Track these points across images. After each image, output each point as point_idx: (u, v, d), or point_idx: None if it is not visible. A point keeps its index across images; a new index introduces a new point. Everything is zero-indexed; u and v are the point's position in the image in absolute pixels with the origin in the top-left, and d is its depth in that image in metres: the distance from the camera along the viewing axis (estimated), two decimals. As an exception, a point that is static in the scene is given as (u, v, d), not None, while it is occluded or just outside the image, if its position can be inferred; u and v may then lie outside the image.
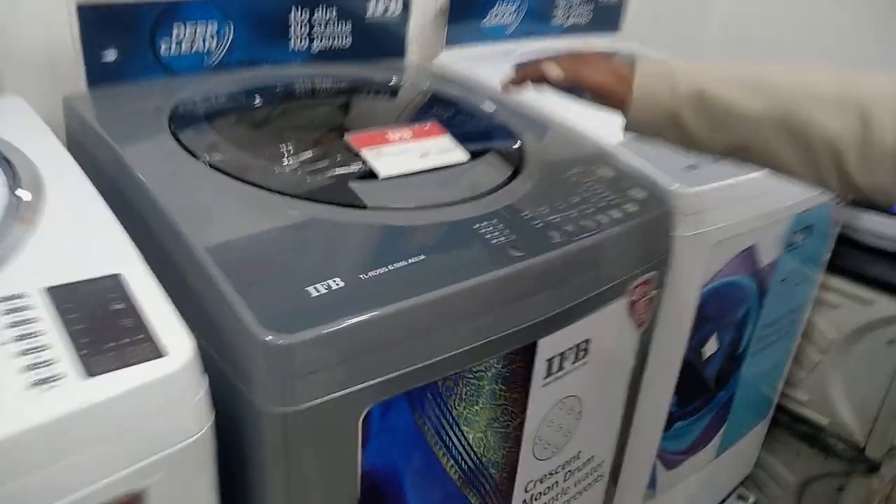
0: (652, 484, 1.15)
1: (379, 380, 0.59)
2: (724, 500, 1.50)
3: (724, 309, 1.06)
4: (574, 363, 0.78)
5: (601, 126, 0.93)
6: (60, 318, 0.48)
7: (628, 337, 0.87)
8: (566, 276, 0.73)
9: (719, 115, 0.63)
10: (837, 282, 1.33)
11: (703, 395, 1.14)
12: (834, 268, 1.32)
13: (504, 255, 0.67)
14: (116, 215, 0.62)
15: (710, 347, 1.08)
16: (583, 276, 0.75)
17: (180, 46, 0.94)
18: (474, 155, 0.82)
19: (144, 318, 0.49)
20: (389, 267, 0.62)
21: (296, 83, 1.00)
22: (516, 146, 0.88)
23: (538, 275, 0.69)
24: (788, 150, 0.61)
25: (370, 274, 0.60)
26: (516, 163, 0.84)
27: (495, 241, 0.68)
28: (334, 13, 1.06)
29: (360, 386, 0.58)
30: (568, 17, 1.40)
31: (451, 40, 1.23)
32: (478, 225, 0.70)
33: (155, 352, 0.47)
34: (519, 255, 0.67)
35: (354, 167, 0.75)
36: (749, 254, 1.04)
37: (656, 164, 0.90)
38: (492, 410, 0.71)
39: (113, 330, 0.48)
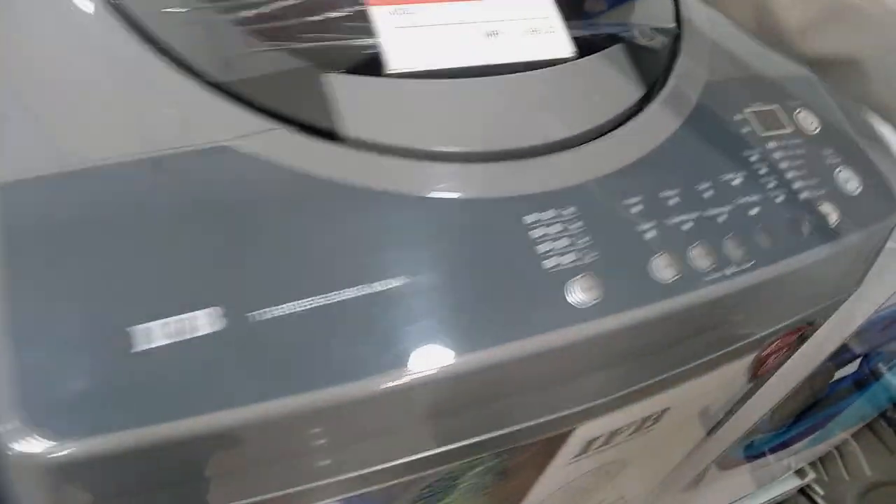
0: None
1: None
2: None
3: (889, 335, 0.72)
4: (631, 434, 0.49)
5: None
6: None
7: (734, 391, 0.56)
8: (674, 341, 0.41)
9: None
10: None
11: (805, 414, 0.84)
12: None
13: (558, 297, 0.36)
14: None
15: (848, 370, 0.76)
16: (706, 338, 0.43)
17: None
18: (586, 46, 0.46)
19: None
20: (321, 298, 0.32)
21: None
22: (667, 34, 0.50)
23: (622, 341, 0.38)
24: None
25: (271, 312, 0.31)
26: (654, 75, 0.47)
27: (553, 260, 0.36)
28: None
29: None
30: None
31: None
32: (532, 216, 0.37)
33: None
34: (590, 301, 0.36)
35: (351, 40, 0.40)
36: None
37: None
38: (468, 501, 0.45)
39: None
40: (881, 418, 1.22)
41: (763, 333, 0.47)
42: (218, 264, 0.32)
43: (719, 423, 0.65)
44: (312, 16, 0.40)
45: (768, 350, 0.50)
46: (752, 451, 0.90)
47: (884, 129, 0.53)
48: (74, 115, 0.35)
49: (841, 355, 0.68)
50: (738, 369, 0.51)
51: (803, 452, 1.07)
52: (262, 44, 0.38)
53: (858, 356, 0.74)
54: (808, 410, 0.83)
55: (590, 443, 0.45)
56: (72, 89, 0.35)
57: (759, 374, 0.54)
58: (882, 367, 0.86)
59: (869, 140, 0.51)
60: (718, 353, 0.45)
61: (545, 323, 0.35)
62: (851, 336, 0.64)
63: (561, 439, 0.43)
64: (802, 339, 0.54)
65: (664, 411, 0.48)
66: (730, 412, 0.62)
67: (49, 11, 0.38)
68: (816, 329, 0.54)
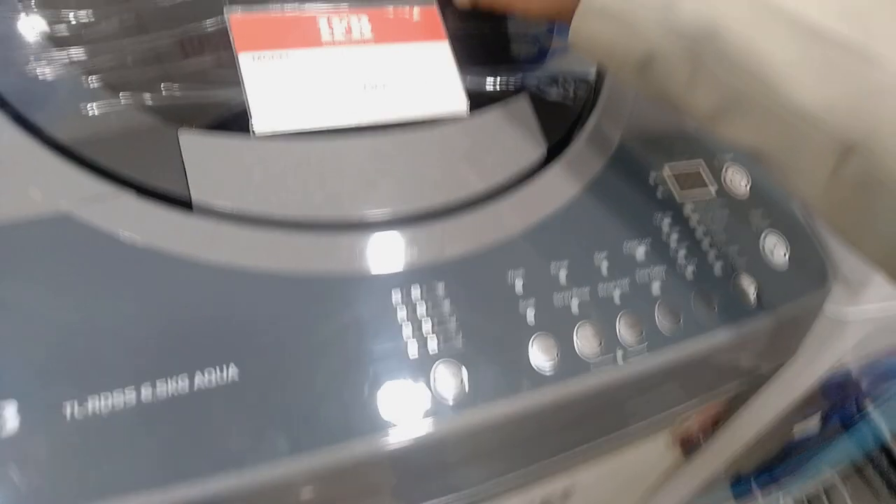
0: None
1: None
2: None
3: (844, 393, 0.68)
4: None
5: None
6: None
7: (666, 462, 0.52)
8: (560, 429, 0.38)
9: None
10: None
11: (768, 470, 0.80)
12: None
13: (423, 385, 0.33)
14: None
15: (809, 428, 0.72)
16: (596, 424, 0.40)
17: None
18: (483, 97, 0.42)
19: None
20: (141, 390, 0.29)
21: None
22: (582, 84, 0.46)
23: (495, 432, 0.35)
24: None
25: (88, 406, 0.28)
26: (562, 130, 0.44)
27: (415, 345, 0.33)
28: None
29: None
30: None
31: None
32: (397, 293, 0.34)
33: None
34: (456, 391, 0.33)
35: (212, 91, 0.37)
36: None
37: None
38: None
39: None
40: (869, 462, 1.17)
41: (666, 413, 0.43)
42: (37, 348, 0.29)
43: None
44: (174, 63, 0.37)
45: (689, 425, 0.46)
46: (740, 488, 0.86)
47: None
48: None
49: (804, 410, 0.64)
50: (655, 445, 0.47)
51: (792, 490, 1.03)
52: (114, 97, 0.35)
53: (816, 412, 0.69)
54: (792, 448, 0.79)
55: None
56: None
57: (689, 445, 0.50)
58: (869, 407, 0.81)
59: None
60: (616, 434, 0.42)
61: (411, 414, 0.32)
62: (803, 399, 0.60)
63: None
64: (732, 409, 0.50)
65: (569, 490, 0.45)
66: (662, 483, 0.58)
67: None
68: (746, 399, 0.50)
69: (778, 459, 0.83)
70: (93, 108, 0.35)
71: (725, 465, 0.62)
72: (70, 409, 0.28)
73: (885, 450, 1.12)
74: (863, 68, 0.29)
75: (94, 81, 0.36)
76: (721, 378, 0.44)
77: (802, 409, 0.65)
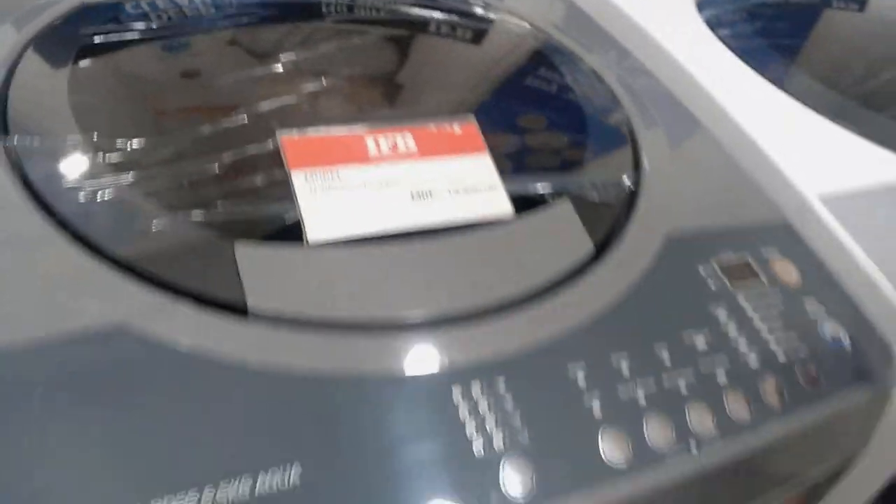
0: None
1: None
2: None
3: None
4: None
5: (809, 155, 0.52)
6: None
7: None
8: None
9: None
10: None
11: None
12: None
13: (492, 485, 0.31)
14: None
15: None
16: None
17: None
18: (528, 202, 0.44)
19: None
20: (204, 493, 0.28)
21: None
22: (621, 186, 0.48)
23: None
24: None
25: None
26: (607, 231, 0.44)
27: (481, 441, 0.32)
28: None
29: None
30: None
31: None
32: (458, 390, 0.34)
33: None
34: (522, 495, 0.31)
35: (267, 206, 0.39)
36: None
37: (871, 246, 0.47)
38: None
39: None
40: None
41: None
42: (110, 457, 0.29)
43: None
44: (228, 182, 0.39)
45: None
46: None
47: (878, 278, 0.48)
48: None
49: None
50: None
51: None
52: (171, 215, 0.37)
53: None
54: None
55: None
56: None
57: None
58: None
59: (861, 290, 0.47)
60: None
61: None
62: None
63: None
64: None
65: None
66: None
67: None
68: (821, 490, 0.47)
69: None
70: (151, 226, 0.37)
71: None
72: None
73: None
74: None
75: (151, 202, 0.37)
76: (796, 466, 0.41)
77: None
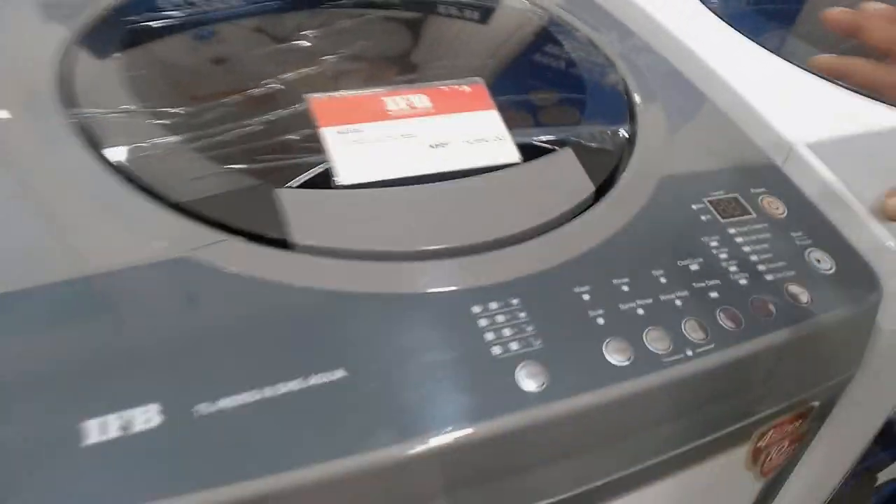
0: None
1: None
2: None
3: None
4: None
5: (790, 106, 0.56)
6: None
7: (742, 491, 0.52)
8: (622, 434, 0.40)
9: None
10: None
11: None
12: None
13: (506, 382, 0.35)
14: None
15: (890, 473, 0.70)
16: (659, 432, 0.42)
17: None
18: (535, 150, 0.48)
19: None
20: (265, 391, 0.33)
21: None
22: (618, 136, 0.52)
23: (565, 433, 0.37)
24: None
25: (220, 404, 0.32)
26: (607, 172, 0.49)
27: (499, 347, 0.37)
28: None
29: None
30: None
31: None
32: (478, 307, 0.38)
33: None
34: (534, 388, 0.35)
35: (302, 157, 0.44)
36: None
37: (854, 185, 0.51)
38: None
39: None
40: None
41: (737, 424, 0.44)
42: (173, 360, 0.33)
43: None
44: (268, 140, 0.44)
45: (766, 440, 0.47)
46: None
47: (858, 209, 0.52)
48: (60, 237, 0.38)
49: (870, 458, 0.63)
50: (734, 463, 0.48)
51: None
52: (220, 166, 0.42)
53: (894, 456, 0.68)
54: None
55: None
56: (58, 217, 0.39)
57: (765, 471, 0.50)
58: None
59: (845, 223, 0.51)
60: (699, 442, 0.43)
61: (497, 408, 0.34)
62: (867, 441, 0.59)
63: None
64: (805, 430, 0.51)
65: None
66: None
67: (39, 153, 0.43)
68: (819, 417, 0.51)
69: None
70: (204, 176, 0.42)
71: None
72: (205, 408, 0.32)
73: None
74: None
75: (203, 156, 0.42)
76: (787, 384, 0.45)
77: (877, 448, 0.64)
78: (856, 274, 0.47)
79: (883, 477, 0.69)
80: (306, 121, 0.46)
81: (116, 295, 0.36)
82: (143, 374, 0.33)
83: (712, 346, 0.40)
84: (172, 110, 0.45)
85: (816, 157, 0.54)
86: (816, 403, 0.49)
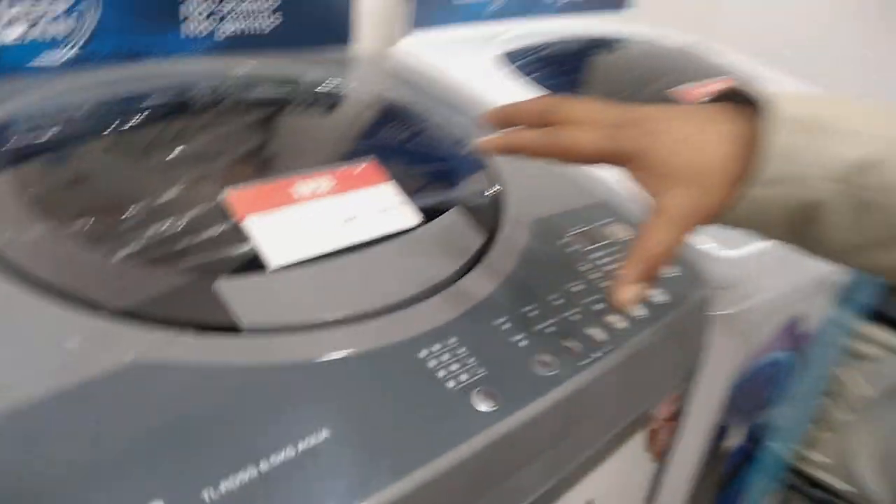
0: None
1: None
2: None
3: (755, 396, 0.82)
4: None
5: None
6: None
7: (644, 475, 0.62)
8: (567, 430, 0.47)
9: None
10: (881, 333, 1.10)
11: (717, 491, 0.90)
12: (879, 317, 1.08)
13: (468, 409, 0.41)
14: None
15: (733, 441, 0.84)
16: (591, 418, 0.49)
17: (11, 29, 0.65)
18: (429, 213, 0.55)
19: None
20: (262, 465, 0.35)
21: (175, 90, 0.70)
22: (490, 194, 0.61)
23: (525, 437, 0.43)
24: None
25: (222, 487, 0.34)
26: (490, 224, 0.57)
27: (452, 381, 0.42)
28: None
29: None
30: (560, -10, 1.11)
31: (418, 21, 0.94)
32: (424, 352, 0.44)
33: None
34: (492, 408, 0.41)
35: (229, 249, 0.47)
36: (791, 325, 0.80)
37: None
38: None
39: None
40: (790, 490, 1.29)
41: (635, 416, 0.54)
42: (162, 458, 0.35)
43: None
44: (197, 234, 0.46)
45: (657, 423, 0.57)
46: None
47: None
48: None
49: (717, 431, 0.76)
50: (634, 448, 0.57)
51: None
52: (155, 269, 0.44)
53: (735, 424, 0.82)
54: (719, 487, 0.89)
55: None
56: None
57: (657, 451, 0.60)
58: (761, 435, 0.95)
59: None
60: (607, 439, 0.51)
61: (464, 433, 0.40)
62: (719, 410, 0.72)
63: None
64: (679, 411, 0.61)
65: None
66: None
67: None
68: (686, 399, 0.62)
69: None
70: (141, 279, 0.43)
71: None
72: (210, 493, 0.34)
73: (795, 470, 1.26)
74: None
75: (135, 263, 0.44)
76: (667, 371, 0.56)
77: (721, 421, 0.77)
78: (691, 275, 0.59)
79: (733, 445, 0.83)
80: (224, 214, 0.49)
81: (88, 407, 0.37)
82: (137, 478, 0.34)
83: (612, 346, 0.48)
84: (89, 225, 0.46)
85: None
86: (686, 382, 0.60)
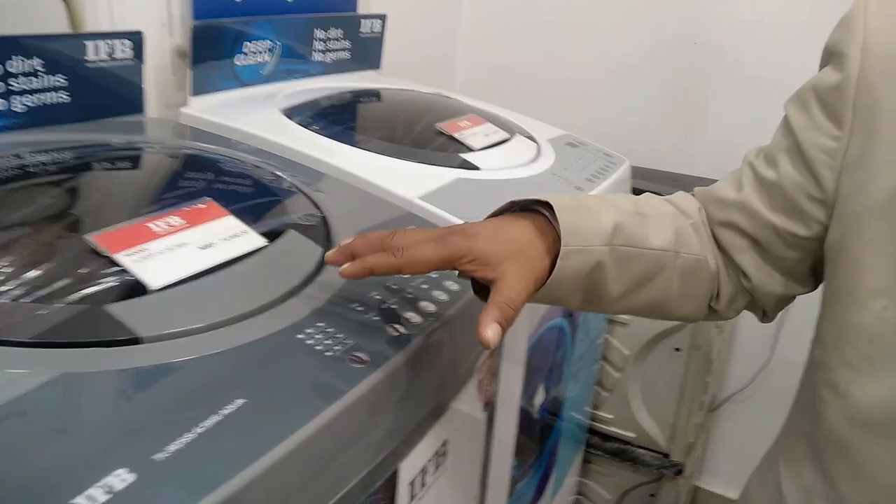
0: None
1: None
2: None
3: (546, 355, 1.01)
4: (434, 473, 0.64)
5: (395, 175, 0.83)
6: None
7: (478, 420, 0.75)
8: (421, 375, 0.59)
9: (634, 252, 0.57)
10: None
11: (536, 446, 1.07)
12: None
13: (346, 367, 0.51)
14: None
15: (539, 398, 1.02)
16: (435, 368, 0.62)
17: None
18: (271, 235, 0.65)
19: None
20: (197, 429, 0.43)
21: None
22: (318, 216, 0.72)
23: (393, 382, 0.54)
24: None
25: (170, 449, 0.41)
26: (323, 239, 0.68)
27: (329, 352, 0.52)
28: (39, 62, 0.81)
29: None
30: (327, 52, 1.26)
31: (200, 86, 1.02)
32: (301, 335, 0.53)
33: None
34: (363, 362, 0.52)
35: (110, 281, 0.53)
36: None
37: (461, 214, 0.81)
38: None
39: None
40: (602, 454, 1.52)
41: (464, 365, 0.68)
42: (114, 439, 0.41)
43: (486, 474, 0.83)
44: (77, 273, 0.52)
45: (481, 374, 0.71)
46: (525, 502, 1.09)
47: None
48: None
49: (526, 390, 0.93)
50: (469, 394, 0.70)
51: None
52: (49, 303, 0.49)
53: (538, 382, 1.00)
54: (537, 443, 1.06)
55: (412, 485, 0.59)
56: None
57: (485, 400, 0.74)
58: (560, 405, 1.13)
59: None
60: (450, 383, 0.64)
61: (347, 384, 0.50)
62: (524, 364, 0.89)
63: (391, 487, 0.56)
64: (495, 364, 0.76)
65: (445, 443, 0.65)
66: (486, 458, 0.81)
67: None
68: (497, 353, 0.77)
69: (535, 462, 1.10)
70: (39, 313, 0.48)
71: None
72: (162, 456, 0.41)
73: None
74: None
75: (31, 299, 0.49)
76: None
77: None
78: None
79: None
80: (97, 253, 0.55)
81: (39, 409, 0.42)
82: (99, 454, 0.40)
83: (441, 313, 0.62)
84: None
85: (429, 203, 0.82)
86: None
